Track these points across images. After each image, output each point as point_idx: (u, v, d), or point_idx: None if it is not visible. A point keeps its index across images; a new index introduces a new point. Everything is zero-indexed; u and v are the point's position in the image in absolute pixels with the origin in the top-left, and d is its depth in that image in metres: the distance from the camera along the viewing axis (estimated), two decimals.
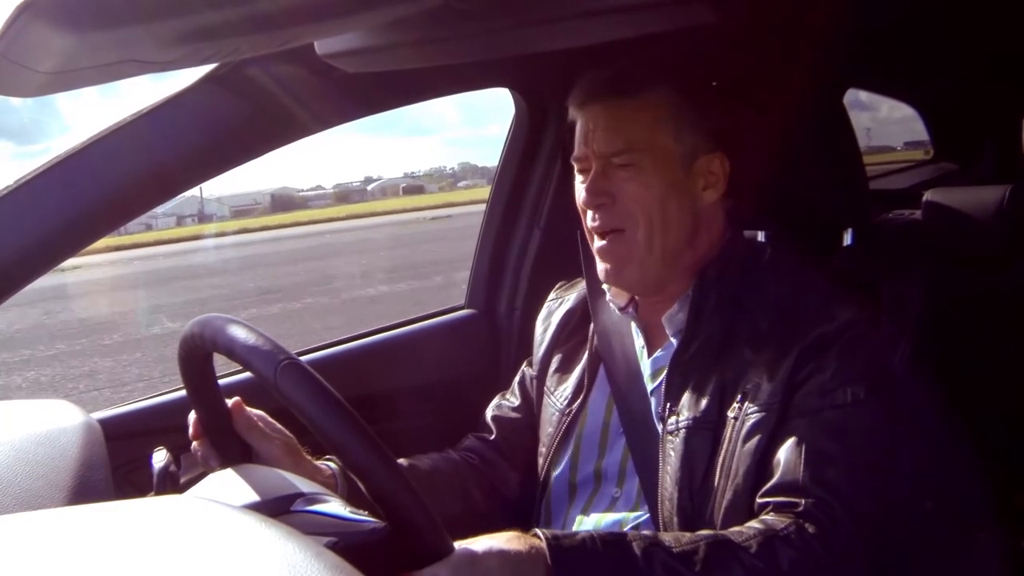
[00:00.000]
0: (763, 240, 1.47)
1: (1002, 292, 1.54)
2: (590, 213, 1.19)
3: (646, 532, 1.05)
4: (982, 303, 1.53)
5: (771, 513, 1.03)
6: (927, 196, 1.59)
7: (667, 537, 0.97)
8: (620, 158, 1.16)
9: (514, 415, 1.39)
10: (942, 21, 1.85)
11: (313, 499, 0.92)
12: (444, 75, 1.56)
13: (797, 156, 1.44)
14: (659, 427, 1.16)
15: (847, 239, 1.62)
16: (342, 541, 0.80)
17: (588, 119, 1.19)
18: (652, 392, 1.20)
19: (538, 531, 0.92)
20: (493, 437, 1.37)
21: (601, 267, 1.20)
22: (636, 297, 1.26)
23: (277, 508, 0.88)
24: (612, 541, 0.93)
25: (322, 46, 1.16)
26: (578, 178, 1.22)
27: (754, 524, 1.01)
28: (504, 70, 1.68)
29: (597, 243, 1.20)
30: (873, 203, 1.67)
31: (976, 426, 1.32)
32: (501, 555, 0.90)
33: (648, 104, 1.17)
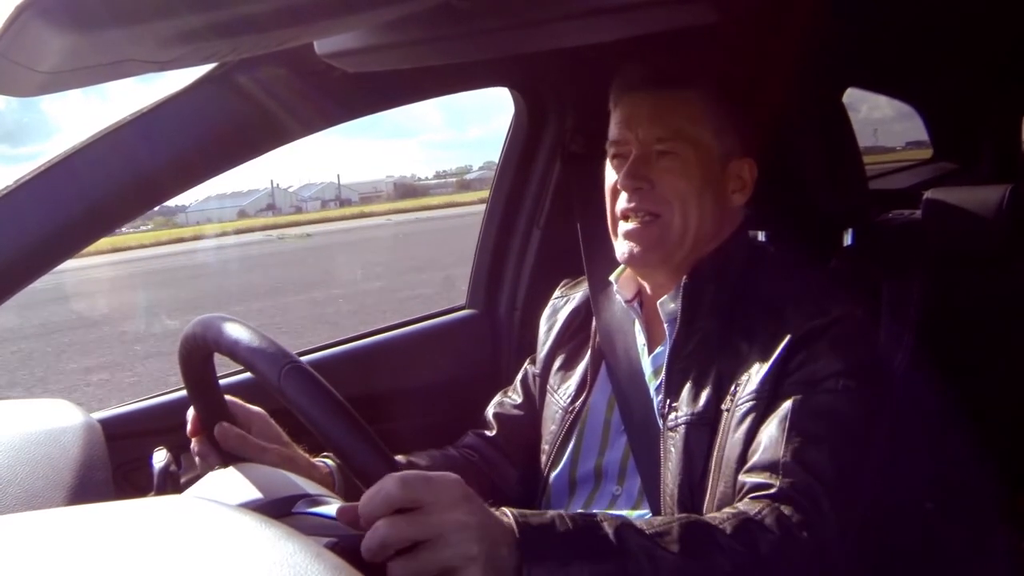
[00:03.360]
0: (763, 240, 1.47)
1: (1002, 292, 1.53)
2: (624, 196, 1.19)
3: (617, 514, 1.03)
4: (982, 303, 1.53)
5: (746, 499, 1.01)
6: (927, 196, 1.59)
7: (639, 520, 0.93)
8: (663, 145, 1.16)
9: (516, 412, 1.39)
10: (942, 21, 1.85)
11: (316, 501, 0.91)
12: (444, 74, 1.56)
13: (797, 157, 1.44)
14: (660, 424, 1.16)
15: (847, 239, 1.62)
16: (342, 541, 0.80)
17: (631, 105, 1.19)
18: (655, 390, 1.20)
19: (505, 509, 0.88)
20: (494, 434, 1.37)
21: (625, 247, 1.19)
22: (642, 291, 1.26)
23: (279, 510, 0.87)
24: (582, 520, 0.89)
25: (322, 46, 1.16)
26: (609, 164, 1.22)
27: (727, 510, 0.99)
28: (504, 70, 1.68)
29: (625, 225, 1.19)
30: (873, 203, 1.67)
31: (978, 426, 1.32)
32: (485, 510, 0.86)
33: (694, 98, 1.18)
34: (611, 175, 1.22)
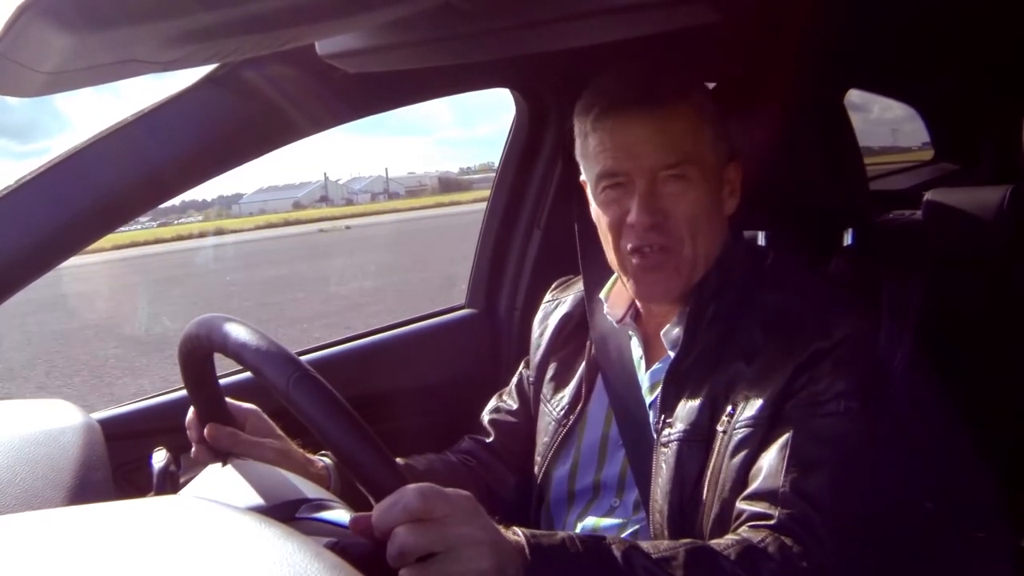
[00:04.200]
0: (763, 243, 1.47)
1: (1003, 292, 1.53)
2: (633, 233, 1.13)
3: (624, 537, 1.02)
4: (983, 303, 1.53)
5: (746, 526, 1.01)
6: (927, 196, 1.59)
7: (645, 544, 0.94)
8: (673, 171, 1.11)
9: (512, 419, 1.38)
10: (942, 21, 1.85)
11: (318, 505, 0.91)
12: (444, 75, 1.56)
13: (797, 157, 1.44)
14: (654, 438, 1.15)
15: (847, 239, 1.62)
16: (341, 541, 0.80)
17: (624, 131, 1.12)
18: (651, 404, 1.19)
19: (516, 529, 0.89)
20: (491, 440, 1.37)
21: (646, 287, 1.15)
22: (636, 306, 1.24)
23: (282, 515, 0.87)
24: (591, 543, 0.90)
25: (323, 46, 1.16)
26: (602, 196, 1.16)
27: (731, 536, 0.99)
28: (504, 70, 1.68)
29: (638, 260, 1.14)
30: (873, 203, 1.67)
31: (978, 426, 1.32)
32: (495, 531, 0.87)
33: (683, 112, 1.12)
34: (611, 208, 1.15)
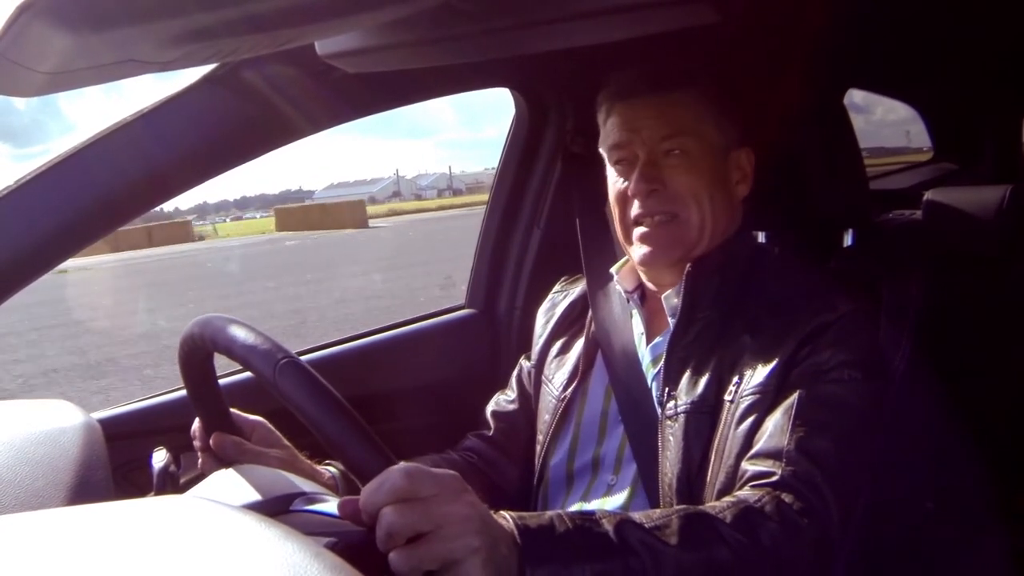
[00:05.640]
0: (764, 240, 1.47)
1: (1002, 292, 1.53)
2: (636, 202, 1.19)
3: (615, 510, 1.02)
4: (982, 303, 1.53)
5: (748, 486, 1.00)
6: (927, 196, 1.59)
7: (637, 515, 0.92)
8: (669, 143, 1.18)
9: (511, 408, 1.40)
10: (943, 21, 1.85)
11: (313, 499, 0.91)
12: (444, 75, 1.56)
13: (797, 157, 1.44)
14: (659, 412, 1.16)
15: (847, 239, 1.62)
16: (341, 541, 0.80)
17: (631, 111, 1.21)
18: (652, 379, 1.20)
19: (503, 513, 0.87)
20: (492, 433, 1.38)
21: (643, 250, 1.20)
22: (643, 284, 1.27)
23: (276, 507, 0.87)
24: (580, 520, 0.88)
25: (322, 46, 1.16)
26: (613, 170, 1.23)
27: (728, 498, 0.99)
28: (504, 70, 1.68)
29: (640, 230, 1.20)
30: (873, 203, 1.67)
31: (977, 426, 1.32)
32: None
33: (690, 98, 1.19)
34: (618, 182, 1.22)
